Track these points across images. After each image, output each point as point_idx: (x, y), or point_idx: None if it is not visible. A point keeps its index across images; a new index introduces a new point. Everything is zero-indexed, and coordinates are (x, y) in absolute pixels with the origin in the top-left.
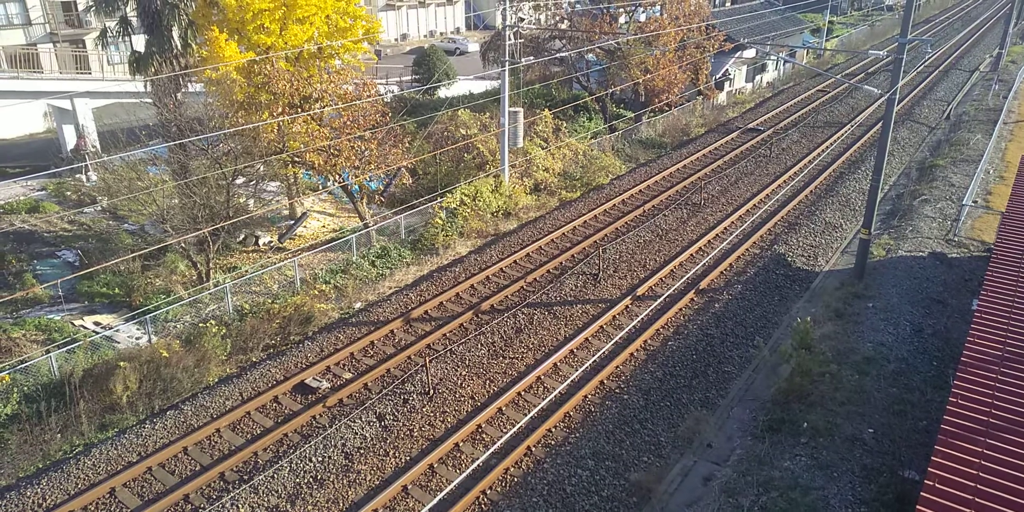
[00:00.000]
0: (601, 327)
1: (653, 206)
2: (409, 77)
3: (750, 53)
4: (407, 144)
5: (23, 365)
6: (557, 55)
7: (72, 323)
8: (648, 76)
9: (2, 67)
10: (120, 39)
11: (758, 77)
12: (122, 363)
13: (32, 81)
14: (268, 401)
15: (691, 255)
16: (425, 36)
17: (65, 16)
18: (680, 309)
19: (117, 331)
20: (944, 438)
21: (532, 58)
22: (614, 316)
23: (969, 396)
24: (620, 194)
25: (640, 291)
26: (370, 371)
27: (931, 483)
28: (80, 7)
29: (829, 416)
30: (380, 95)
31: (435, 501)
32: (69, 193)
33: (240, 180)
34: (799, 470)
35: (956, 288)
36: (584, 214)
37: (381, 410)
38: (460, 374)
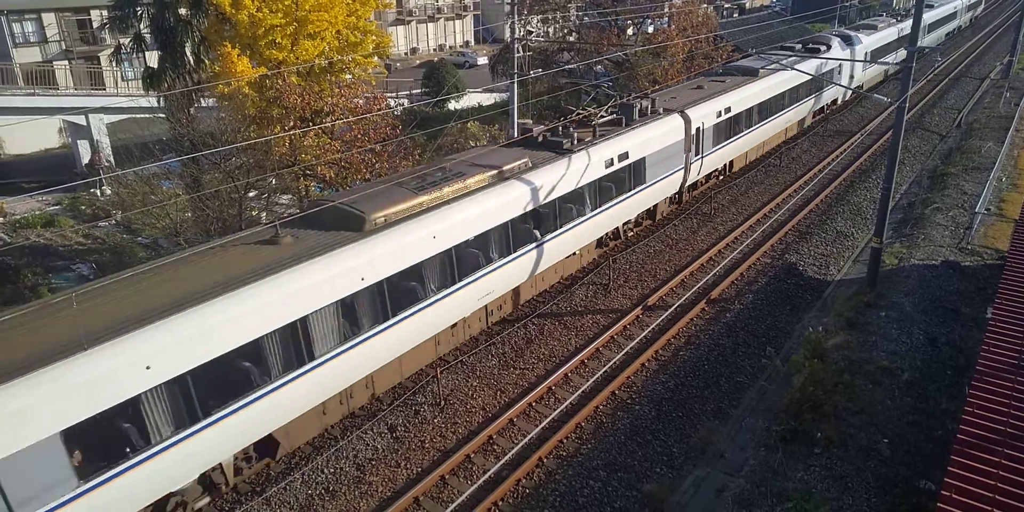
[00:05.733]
0: (612, 337)
1: (663, 216)
2: (419, 90)
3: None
4: (417, 156)
5: None
6: (565, 67)
7: None
8: (657, 87)
9: (19, 84)
10: (134, 56)
11: None
12: None
13: (48, 97)
14: None
15: (702, 265)
16: (435, 50)
17: (80, 34)
18: (691, 319)
19: None
20: (960, 448)
21: (540, 70)
22: (625, 326)
23: (984, 405)
24: None
25: (651, 301)
26: None
27: (947, 493)
28: (95, 25)
29: (843, 426)
30: (390, 108)
31: None
32: (84, 207)
33: (252, 193)
34: (813, 481)
35: (970, 296)
36: None
37: (392, 421)
38: (471, 385)
